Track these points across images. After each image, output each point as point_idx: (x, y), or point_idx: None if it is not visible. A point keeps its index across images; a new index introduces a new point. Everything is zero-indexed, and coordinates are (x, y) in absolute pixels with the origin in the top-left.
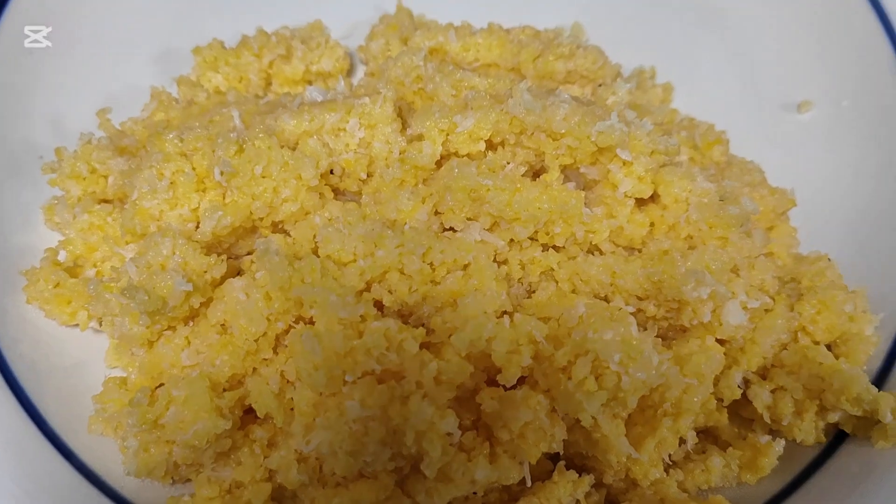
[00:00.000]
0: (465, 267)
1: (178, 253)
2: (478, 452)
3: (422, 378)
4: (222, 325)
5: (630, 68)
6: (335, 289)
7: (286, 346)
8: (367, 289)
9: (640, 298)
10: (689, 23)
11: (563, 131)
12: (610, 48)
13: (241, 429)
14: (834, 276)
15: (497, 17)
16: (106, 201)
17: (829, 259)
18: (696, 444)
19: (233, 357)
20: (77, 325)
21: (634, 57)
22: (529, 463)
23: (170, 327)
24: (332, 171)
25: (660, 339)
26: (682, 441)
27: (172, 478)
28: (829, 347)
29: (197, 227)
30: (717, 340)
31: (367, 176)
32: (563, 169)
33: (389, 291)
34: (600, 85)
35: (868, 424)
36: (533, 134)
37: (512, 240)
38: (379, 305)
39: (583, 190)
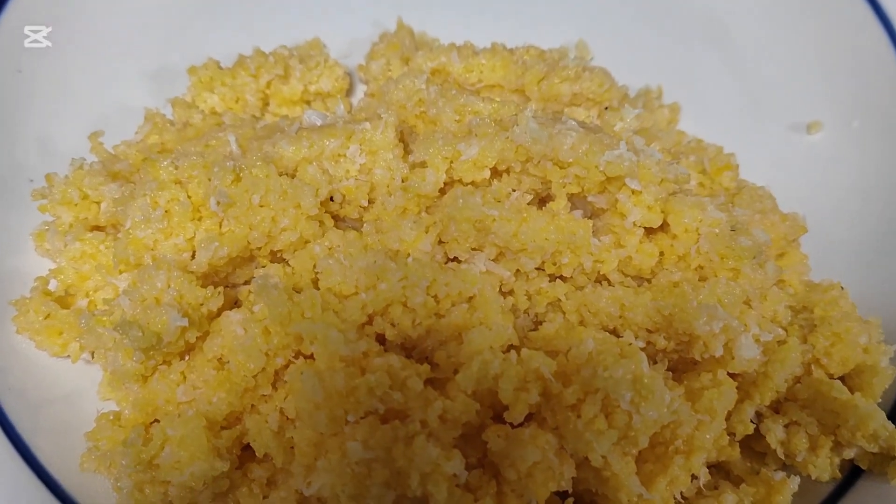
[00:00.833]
0: (470, 299)
1: (172, 286)
2: (484, 492)
3: (426, 417)
4: (219, 359)
5: (635, 87)
6: (336, 324)
7: (285, 382)
8: (369, 322)
9: (649, 331)
10: (695, 42)
11: (570, 160)
12: (615, 67)
13: (240, 468)
14: (847, 305)
15: (500, 33)
16: (98, 228)
17: (841, 287)
18: (707, 480)
19: (230, 394)
20: (69, 356)
21: (640, 76)
22: (538, 503)
23: (165, 362)
24: (332, 199)
25: (670, 374)
26: (694, 477)
27: None
28: (843, 379)
29: (192, 256)
30: (730, 374)
31: (369, 203)
32: (571, 197)
33: (392, 325)
34: (606, 108)
35: (884, 460)
36: (539, 162)
37: (518, 270)
38: (381, 339)
39: (590, 218)
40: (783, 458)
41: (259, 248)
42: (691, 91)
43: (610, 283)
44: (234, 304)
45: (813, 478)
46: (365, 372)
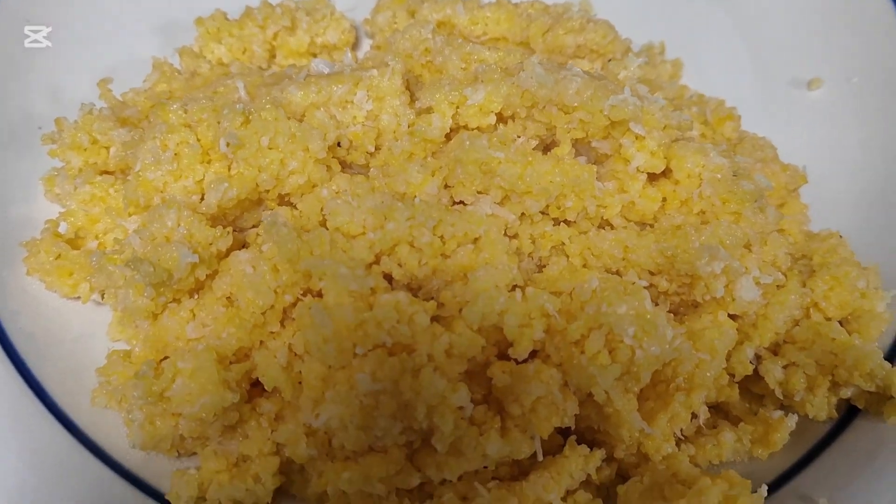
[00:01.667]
0: (476, 240)
1: (182, 225)
2: (489, 427)
3: (433, 351)
4: (228, 297)
5: (638, 43)
6: (345, 261)
7: (294, 320)
8: (377, 262)
9: (652, 273)
10: None
11: (575, 105)
12: (618, 24)
13: (249, 402)
14: (845, 252)
15: None
16: (107, 173)
17: (840, 236)
18: (707, 419)
19: (239, 330)
20: (79, 297)
21: (642, 33)
22: (541, 437)
23: (174, 300)
24: (339, 144)
25: (672, 315)
26: (694, 416)
27: (178, 451)
28: (841, 324)
29: (202, 199)
30: (730, 316)
31: (375, 149)
32: (575, 143)
33: (399, 265)
34: (610, 60)
35: (880, 400)
36: (544, 107)
37: (523, 214)
38: (388, 279)
39: (594, 164)
40: (781, 398)
41: (267, 191)
42: (693, 48)
43: (613, 228)
44: (243, 246)
45: (810, 417)
46: (373, 307)
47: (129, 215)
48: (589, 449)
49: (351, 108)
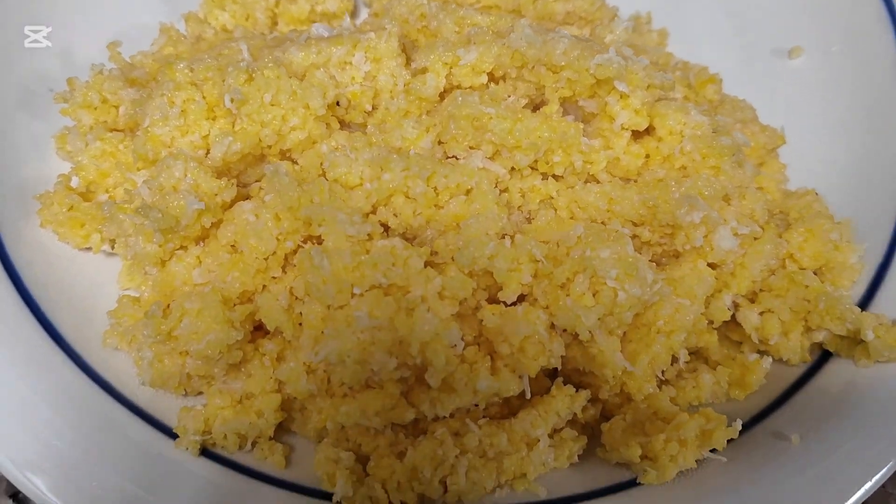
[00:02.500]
0: (468, 192)
1: (189, 175)
2: (480, 365)
3: (426, 292)
4: (233, 245)
5: (626, 14)
6: (343, 208)
7: (295, 266)
8: (374, 212)
9: (635, 224)
10: None
11: (562, 64)
12: None
13: (252, 342)
14: (821, 207)
15: None
16: (117, 130)
17: (815, 193)
18: (687, 363)
19: (243, 274)
20: (90, 248)
21: (630, 5)
22: (529, 377)
23: (181, 247)
24: (338, 104)
25: (654, 264)
26: (675, 360)
27: (185, 390)
28: (815, 274)
29: (207, 153)
30: (709, 265)
31: (373, 108)
32: (563, 102)
33: (395, 215)
34: (598, 26)
35: (851, 344)
36: (534, 67)
37: (513, 168)
38: (385, 228)
39: (581, 122)
40: (758, 343)
41: (270, 147)
42: (679, 18)
43: (599, 184)
44: (246, 200)
45: (785, 360)
46: (369, 252)
47: (138, 169)
48: (575, 390)
49: (349, 69)
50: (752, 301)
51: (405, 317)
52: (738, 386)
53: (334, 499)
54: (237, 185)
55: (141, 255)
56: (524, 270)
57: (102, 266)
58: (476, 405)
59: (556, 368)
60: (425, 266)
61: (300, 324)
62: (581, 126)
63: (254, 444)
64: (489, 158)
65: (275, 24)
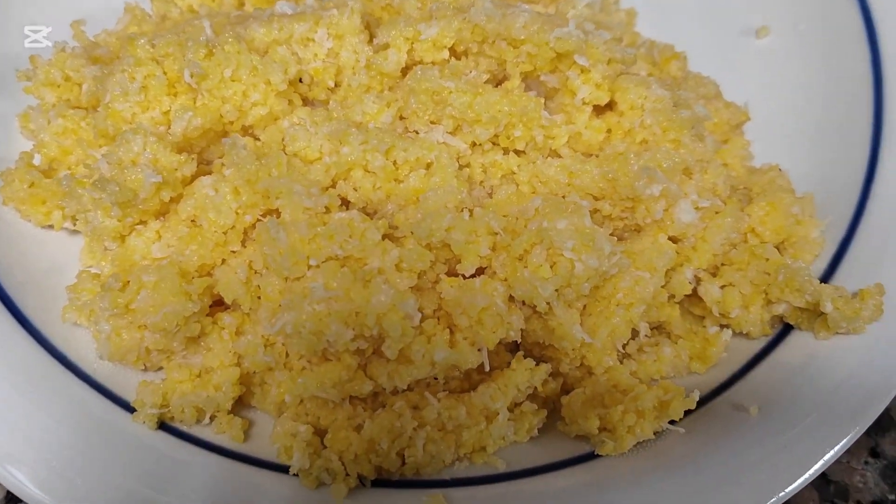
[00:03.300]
0: (428, 166)
1: (148, 150)
2: (438, 337)
3: (383, 265)
4: (192, 220)
5: None
6: (301, 181)
7: (254, 240)
8: (333, 185)
9: (595, 199)
10: None
11: (522, 38)
12: None
13: (210, 316)
14: (784, 182)
15: None
16: (80, 108)
17: (779, 169)
18: (647, 336)
19: (201, 248)
20: (52, 225)
21: None
22: (488, 350)
23: (141, 222)
24: (300, 80)
25: (615, 238)
26: (636, 334)
27: (145, 364)
28: (777, 249)
29: (168, 129)
30: (670, 238)
31: (335, 85)
32: (524, 77)
33: (354, 189)
34: (562, 4)
35: (811, 317)
36: (494, 42)
37: (474, 143)
38: (345, 203)
39: (543, 98)
40: (719, 316)
41: (231, 123)
42: None
43: (561, 159)
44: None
45: (745, 333)
46: (326, 224)
47: (100, 146)
48: (535, 364)
49: (312, 46)
50: (714, 275)
51: (361, 288)
52: (698, 359)
53: (290, 471)
54: (199, 162)
55: (100, 229)
56: (482, 243)
57: (66, 245)
58: (435, 379)
59: (516, 342)
60: (383, 238)
61: (258, 297)
62: (542, 101)
63: (212, 418)
64: (450, 133)
65: (242, 4)
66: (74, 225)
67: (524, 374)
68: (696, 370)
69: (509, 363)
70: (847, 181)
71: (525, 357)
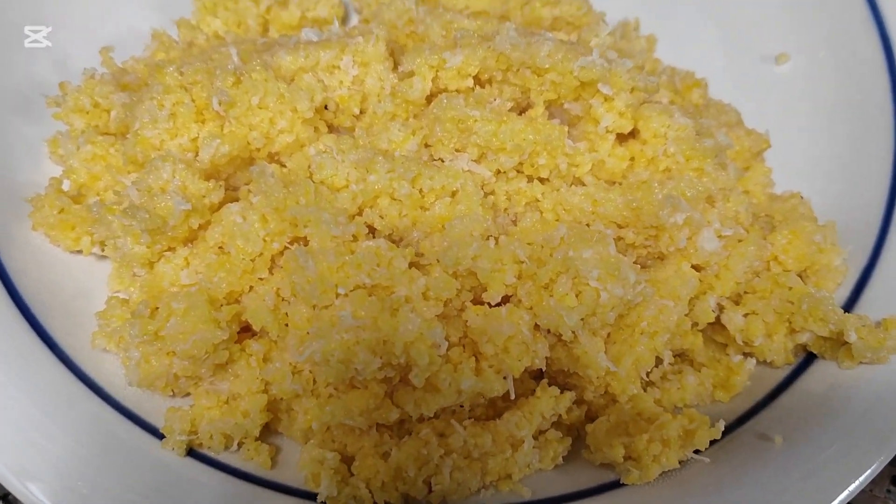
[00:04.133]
0: (454, 194)
1: (177, 177)
2: (464, 365)
3: (410, 293)
4: (220, 247)
5: (614, 21)
6: (328, 209)
7: (281, 268)
8: (360, 213)
9: (619, 226)
10: None
11: (546, 66)
12: (594, 2)
13: (238, 343)
14: (806, 210)
15: None
16: (108, 134)
17: (801, 197)
18: (671, 364)
19: (230, 275)
20: (80, 251)
21: (617, 10)
22: (514, 378)
23: (169, 248)
24: (326, 107)
25: (639, 266)
26: (659, 361)
27: (172, 390)
28: (800, 277)
29: (196, 156)
30: (693, 267)
31: (361, 112)
32: (548, 105)
33: (381, 216)
34: (584, 32)
35: (835, 346)
36: (519, 70)
37: (498, 171)
38: (371, 230)
39: (566, 126)
40: (742, 345)
41: (258, 150)
42: (667, 24)
43: (584, 187)
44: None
45: (769, 362)
46: (354, 252)
47: (129, 172)
48: (560, 391)
49: (337, 73)
50: (737, 303)
51: (389, 317)
52: (722, 388)
53: (319, 498)
54: (226, 188)
55: (129, 256)
56: (508, 271)
57: (94, 269)
58: (461, 406)
59: (541, 370)
60: (410, 267)
61: (286, 324)
62: (566, 129)
63: (240, 444)
64: (475, 161)
65: (266, 30)
66: (103, 250)
67: (549, 402)
68: (720, 398)
69: (534, 390)
70: (868, 208)
71: (549, 384)
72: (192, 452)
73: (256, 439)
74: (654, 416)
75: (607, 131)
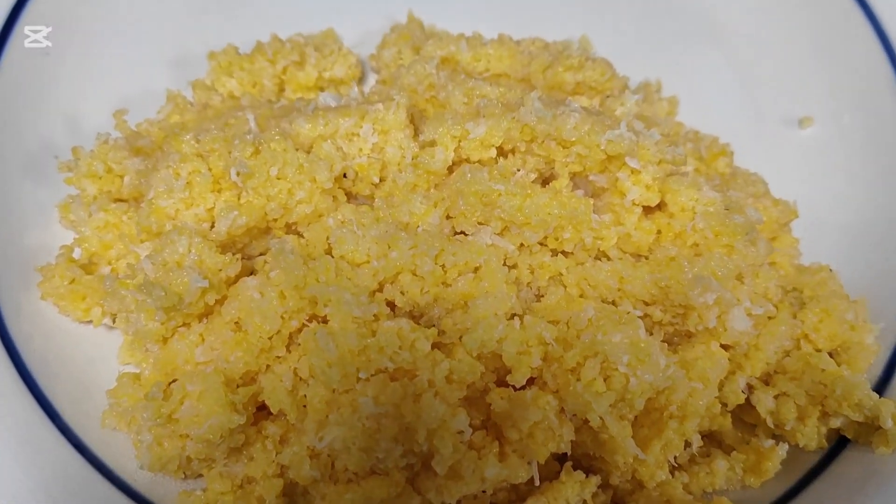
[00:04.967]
0: (477, 269)
1: (193, 251)
2: (488, 451)
3: (433, 377)
4: (236, 322)
5: (635, 81)
6: (349, 288)
7: (299, 345)
8: (380, 289)
9: (646, 304)
10: (693, 39)
11: (573, 139)
12: (616, 62)
13: (254, 425)
14: (835, 286)
15: (506, 29)
16: (121, 200)
17: (830, 270)
18: (700, 447)
19: (246, 354)
20: (90, 321)
21: (640, 72)
22: (538, 463)
23: (184, 324)
24: (345, 175)
25: (666, 344)
26: (688, 444)
27: (185, 473)
28: (830, 355)
29: (212, 226)
30: (722, 346)
31: (380, 180)
32: (573, 176)
33: (402, 293)
34: (608, 97)
35: (869, 430)
36: (543, 141)
37: (522, 244)
38: (391, 306)
39: (591, 197)
40: (773, 427)
41: (275, 220)
42: (689, 86)
43: (609, 260)
44: (251, 273)
45: (801, 446)
46: (376, 333)
47: (142, 242)
48: (585, 475)
49: (357, 141)
50: (767, 383)
51: (412, 403)
52: (753, 472)
53: None
54: (242, 258)
55: (142, 332)
56: (534, 354)
57: (103, 340)
58: (483, 491)
59: (565, 452)
60: (432, 347)
61: (304, 406)
62: (591, 202)
63: None
64: (498, 234)
65: (282, 90)
66: (114, 322)
67: (574, 487)
68: (751, 484)
69: (558, 473)
70: None
71: (574, 466)
72: None
73: None
74: (682, 503)
75: (634, 204)
